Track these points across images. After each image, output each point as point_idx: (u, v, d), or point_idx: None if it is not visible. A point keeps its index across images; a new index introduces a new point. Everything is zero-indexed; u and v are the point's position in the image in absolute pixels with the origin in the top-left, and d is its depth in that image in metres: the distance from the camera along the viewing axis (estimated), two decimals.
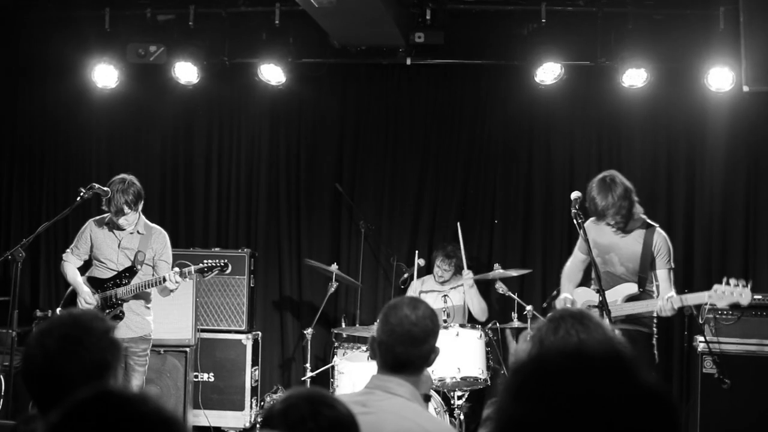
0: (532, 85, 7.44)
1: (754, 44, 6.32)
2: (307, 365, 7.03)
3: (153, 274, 5.92)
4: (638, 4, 7.17)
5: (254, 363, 7.43)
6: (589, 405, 1.19)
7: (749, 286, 4.98)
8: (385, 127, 8.08)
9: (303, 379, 7.05)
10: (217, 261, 5.87)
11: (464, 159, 7.95)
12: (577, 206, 5.13)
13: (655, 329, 5.44)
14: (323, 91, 8.11)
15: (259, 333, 7.66)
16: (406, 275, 7.41)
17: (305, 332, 7.15)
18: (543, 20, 7.15)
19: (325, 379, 6.79)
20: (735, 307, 5.27)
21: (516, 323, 6.61)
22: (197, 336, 7.17)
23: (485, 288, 7.40)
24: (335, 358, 6.50)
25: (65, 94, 8.19)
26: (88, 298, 5.78)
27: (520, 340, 6.55)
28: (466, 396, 6.27)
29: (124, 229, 5.87)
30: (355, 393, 2.85)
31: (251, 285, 7.53)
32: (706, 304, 5.64)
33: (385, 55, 7.69)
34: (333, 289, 7.32)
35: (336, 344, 6.73)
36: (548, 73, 7.27)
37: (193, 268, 5.80)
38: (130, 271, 5.87)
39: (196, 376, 7.21)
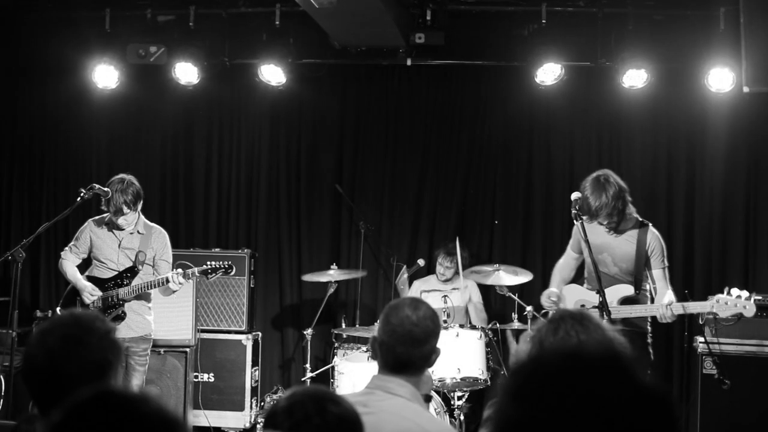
0: (532, 85, 7.44)
1: (754, 45, 6.32)
2: (307, 365, 7.03)
3: (153, 274, 5.92)
4: (638, 5, 7.17)
5: (254, 363, 7.43)
6: (588, 406, 1.19)
7: (753, 298, 4.98)
8: (385, 127, 8.08)
9: (303, 379, 7.05)
10: (221, 263, 5.87)
11: (464, 159, 7.95)
12: (577, 207, 5.13)
13: (649, 328, 5.43)
14: (323, 91, 8.12)
15: (259, 333, 7.66)
16: (405, 276, 7.40)
17: (305, 333, 7.15)
18: (543, 21, 7.15)
19: (325, 379, 6.79)
20: (740, 316, 5.25)
21: (516, 324, 6.61)
22: (197, 336, 7.17)
23: (485, 288, 7.40)
24: (335, 358, 6.50)
25: (65, 94, 8.19)
26: (93, 292, 5.77)
27: (521, 341, 6.54)
28: (466, 396, 6.27)
29: (123, 229, 5.87)
30: (356, 393, 2.85)
31: (251, 285, 7.52)
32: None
33: (386, 55, 7.69)
34: (333, 290, 7.32)
35: (336, 344, 6.73)
36: (548, 73, 7.27)
37: (196, 269, 5.80)
38: (132, 272, 5.87)
39: (196, 377, 7.21)
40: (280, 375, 8.09)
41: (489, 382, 6.17)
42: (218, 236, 8.22)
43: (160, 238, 5.99)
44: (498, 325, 6.71)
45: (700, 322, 6.42)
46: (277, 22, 7.33)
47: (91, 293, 5.77)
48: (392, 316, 2.83)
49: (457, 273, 7.24)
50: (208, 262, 5.86)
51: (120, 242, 5.89)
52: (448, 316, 6.49)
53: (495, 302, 7.57)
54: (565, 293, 5.68)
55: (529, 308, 6.46)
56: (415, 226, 8.00)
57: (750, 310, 4.96)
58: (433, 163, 8.00)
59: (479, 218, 7.93)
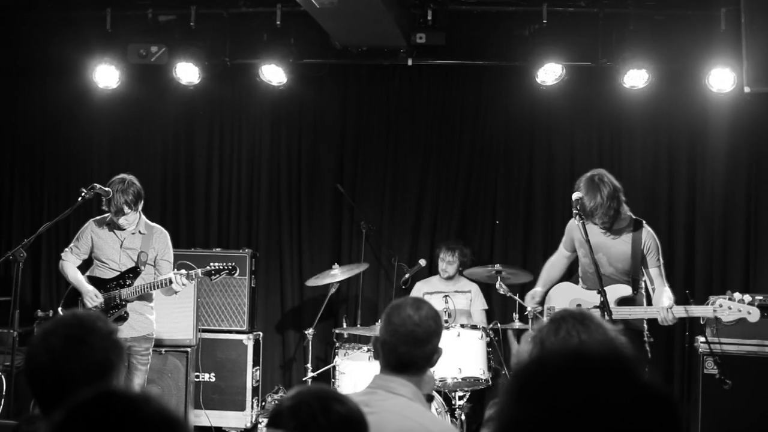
0: (533, 85, 7.44)
1: (755, 45, 6.32)
2: (309, 365, 7.04)
3: (155, 274, 5.92)
4: (639, 5, 7.17)
5: (255, 363, 7.43)
6: (590, 406, 1.19)
7: (757, 302, 4.97)
8: (386, 127, 8.08)
9: (304, 379, 7.06)
10: (225, 264, 5.87)
11: (465, 160, 7.95)
12: (578, 207, 5.12)
13: (645, 326, 5.42)
14: (324, 91, 8.12)
15: (260, 333, 7.66)
16: (407, 276, 7.41)
17: (306, 332, 7.15)
18: (544, 21, 7.15)
19: (326, 379, 6.80)
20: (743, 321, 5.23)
21: (517, 324, 6.61)
22: (198, 336, 7.17)
23: (486, 289, 7.41)
24: (336, 358, 6.50)
25: (66, 94, 8.19)
26: (94, 298, 5.77)
27: (522, 342, 6.55)
28: (467, 396, 6.27)
29: (125, 229, 5.87)
30: (358, 393, 2.85)
31: (252, 285, 7.53)
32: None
33: (387, 55, 7.69)
34: (334, 290, 7.32)
35: (337, 344, 6.73)
36: (549, 73, 7.27)
37: (200, 270, 5.81)
38: (134, 272, 5.87)
39: (198, 377, 7.21)
40: (281, 375, 8.09)
41: (490, 382, 6.17)
42: (219, 236, 8.23)
43: (161, 238, 5.99)
44: (499, 325, 6.71)
45: (702, 322, 6.42)
46: (278, 22, 7.33)
47: (93, 299, 5.76)
48: (394, 315, 2.84)
49: (459, 271, 7.27)
50: (212, 264, 5.87)
51: (122, 242, 5.89)
52: (450, 316, 6.49)
53: (496, 303, 7.56)
54: (561, 292, 5.67)
55: (530, 308, 6.45)
56: (416, 226, 8.00)
57: (754, 316, 4.95)
58: (434, 163, 8.00)
59: (480, 218, 7.93)
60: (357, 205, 7.97)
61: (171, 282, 5.71)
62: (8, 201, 8.43)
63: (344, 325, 7.27)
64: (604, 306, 4.82)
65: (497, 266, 6.86)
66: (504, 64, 7.67)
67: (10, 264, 5.64)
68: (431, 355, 2.86)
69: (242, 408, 7.27)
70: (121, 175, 5.81)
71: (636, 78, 7.12)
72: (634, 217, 5.48)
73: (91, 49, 7.62)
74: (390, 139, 8.07)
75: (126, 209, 5.71)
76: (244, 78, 7.94)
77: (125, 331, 5.70)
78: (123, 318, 5.78)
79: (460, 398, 6.22)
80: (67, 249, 6.04)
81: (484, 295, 7.42)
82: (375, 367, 2.88)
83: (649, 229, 5.45)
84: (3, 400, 6.40)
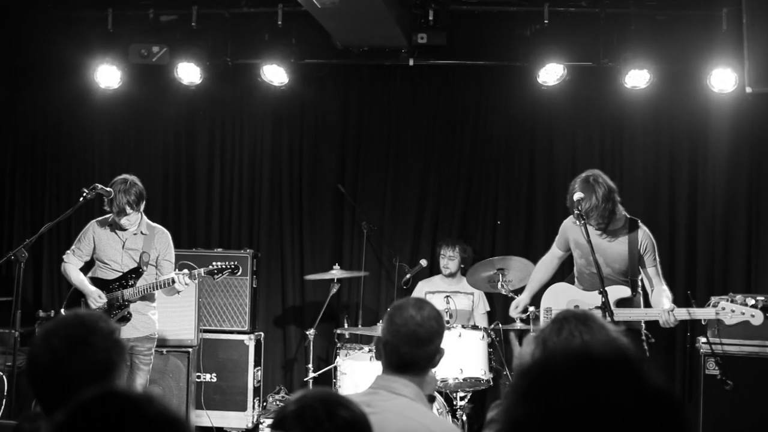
0: (534, 86, 7.43)
1: (757, 45, 6.32)
2: (310, 366, 7.04)
3: (156, 274, 5.92)
4: (641, 5, 7.17)
5: (257, 363, 7.42)
6: (595, 407, 1.18)
7: (760, 305, 4.94)
8: (387, 127, 8.08)
9: (305, 379, 7.06)
10: (227, 263, 5.87)
11: (467, 160, 7.95)
12: (580, 207, 5.11)
13: (643, 324, 5.40)
14: (326, 91, 8.12)
15: (262, 333, 7.66)
16: (408, 276, 7.41)
17: (308, 333, 7.15)
18: (546, 21, 7.15)
19: (328, 379, 6.80)
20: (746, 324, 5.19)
21: (518, 324, 6.60)
22: (200, 336, 7.17)
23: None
24: (338, 358, 6.50)
25: (68, 94, 8.19)
26: (98, 298, 5.77)
27: (525, 343, 6.54)
28: (468, 397, 6.27)
29: (126, 230, 5.87)
30: (360, 393, 2.85)
31: (254, 285, 7.52)
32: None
33: (388, 55, 7.69)
34: (335, 290, 7.32)
35: (338, 345, 6.73)
36: (551, 74, 7.27)
37: (202, 270, 5.80)
38: (136, 273, 5.87)
39: (199, 377, 7.21)
40: (283, 375, 8.09)
41: (491, 383, 6.17)
42: (221, 236, 8.23)
43: (163, 239, 5.99)
44: (500, 325, 6.71)
45: (703, 323, 6.41)
46: (280, 22, 7.34)
47: (97, 300, 5.76)
48: (396, 316, 2.84)
49: (461, 269, 7.27)
50: (214, 263, 5.86)
51: (124, 243, 5.89)
52: (451, 316, 6.49)
53: (497, 303, 7.56)
54: (558, 293, 5.67)
55: (531, 308, 6.45)
56: (417, 226, 7.99)
57: (758, 319, 4.90)
58: (436, 163, 8.00)
59: (481, 218, 7.93)
60: (358, 205, 7.97)
61: (174, 282, 5.71)
62: (9, 201, 8.43)
63: (345, 326, 7.26)
64: (605, 307, 4.82)
65: (498, 266, 6.84)
66: (505, 64, 7.67)
67: (11, 264, 5.65)
68: (433, 355, 2.86)
69: (243, 408, 7.26)
70: (124, 176, 5.81)
71: (637, 78, 7.12)
72: (629, 216, 5.46)
73: (93, 49, 7.63)
74: (391, 139, 8.07)
75: (128, 209, 5.70)
76: (245, 78, 7.94)
77: (128, 332, 5.70)
78: (126, 318, 5.78)
79: (462, 399, 6.22)
80: (68, 251, 6.03)
81: (485, 295, 7.42)
82: (376, 367, 2.89)
83: (645, 228, 5.43)
84: (4, 400, 6.40)
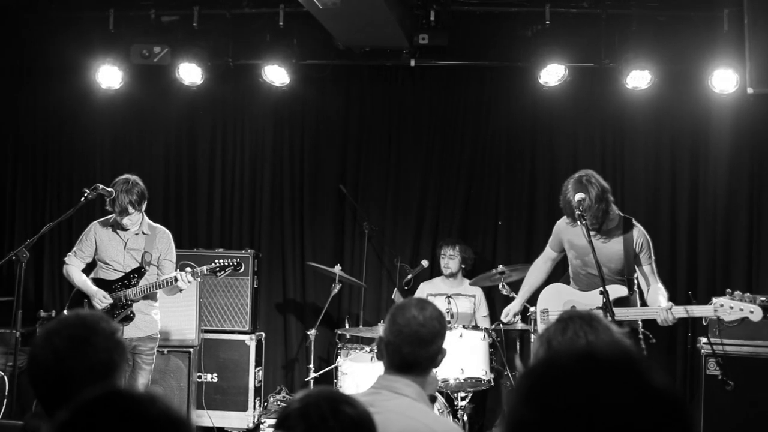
0: (535, 86, 7.43)
1: (758, 46, 6.32)
2: (311, 366, 7.04)
3: (158, 274, 5.92)
4: (642, 6, 7.16)
5: (257, 364, 7.43)
6: (599, 408, 1.18)
7: (758, 301, 4.91)
8: (388, 128, 8.08)
9: (306, 380, 7.06)
10: (230, 260, 5.87)
11: (468, 160, 7.95)
12: (581, 208, 5.11)
13: (640, 323, 5.40)
14: (327, 92, 8.12)
15: (263, 334, 7.66)
16: (409, 276, 7.41)
17: (309, 333, 7.15)
18: (547, 22, 7.15)
19: (329, 380, 6.80)
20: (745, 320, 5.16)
21: (519, 325, 6.60)
22: (201, 336, 7.17)
23: (488, 289, 7.41)
24: (338, 359, 6.50)
25: (69, 94, 8.20)
26: (102, 299, 5.77)
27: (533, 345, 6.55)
28: (469, 397, 6.27)
29: (128, 230, 5.87)
30: (362, 393, 2.85)
31: (255, 286, 7.53)
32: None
33: (389, 56, 7.69)
34: (336, 290, 7.32)
35: (339, 345, 6.73)
36: (552, 74, 7.27)
37: (205, 267, 5.80)
38: (139, 272, 5.87)
39: (200, 377, 7.21)
40: (284, 375, 8.09)
41: (492, 383, 6.17)
42: (222, 236, 8.23)
43: (164, 239, 5.99)
44: (501, 325, 6.71)
45: (704, 323, 6.41)
46: (281, 23, 7.34)
47: (101, 300, 5.76)
48: (399, 316, 2.84)
49: (462, 269, 7.28)
50: (217, 260, 5.86)
51: (125, 243, 5.89)
52: (452, 317, 6.49)
53: (498, 303, 7.56)
54: (553, 294, 5.66)
55: (532, 309, 6.45)
56: (418, 226, 8.00)
57: (756, 315, 4.87)
58: (437, 163, 8.00)
59: (483, 219, 7.93)
60: (359, 205, 7.97)
61: (176, 280, 5.71)
62: (11, 201, 8.44)
63: (346, 326, 7.27)
64: (606, 307, 4.81)
65: (500, 267, 6.84)
66: (507, 64, 7.67)
67: (13, 264, 5.63)
68: (435, 355, 2.86)
69: (244, 408, 7.27)
70: (125, 176, 5.82)
71: (639, 79, 7.12)
72: (623, 215, 5.45)
73: (94, 50, 7.63)
74: (392, 139, 8.07)
75: (130, 209, 5.71)
76: (246, 78, 7.94)
77: (130, 331, 5.71)
78: (129, 318, 5.78)
79: (463, 399, 6.22)
80: (70, 253, 6.03)
81: (486, 294, 7.42)
82: (377, 368, 2.89)
83: (640, 227, 5.43)
84: (6, 400, 6.40)
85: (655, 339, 5.57)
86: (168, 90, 7.98)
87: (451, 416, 6.01)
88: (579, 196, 5.15)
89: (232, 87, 8.15)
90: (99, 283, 5.88)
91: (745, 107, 7.17)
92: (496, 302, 7.53)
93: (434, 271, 7.63)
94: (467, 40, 7.58)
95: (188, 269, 5.75)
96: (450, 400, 6.20)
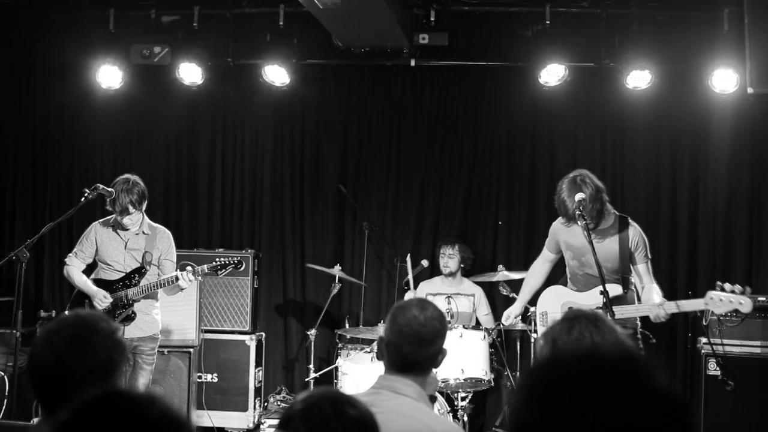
0: (536, 86, 7.43)
1: (758, 46, 6.31)
2: (311, 366, 7.04)
3: (158, 274, 5.92)
4: (642, 6, 7.16)
5: (258, 364, 7.43)
6: (603, 408, 1.18)
7: (747, 292, 4.85)
8: (388, 128, 8.08)
9: (306, 380, 7.07)
10: (230, 258, 5.87)
11: (468, 160, 7.95)
12: (581, 208, 5.10)
13: (638, 322, 5.39)
14: (327, 92, 8.12)
15: (263, 334, 7.66)
16: (408, 277, 7.40)
17: (309, 333, 7.15)
18: (547, 22, 7.15)
19: (329, 380, 6.80)
20: (736, 312, 5.10)
21: (519, 325, 6.60)
22: (201, 337, 7.17)
23: (489, 290, 7.41)
24: (339, 359, 6.50)
25: (69, 94, 8.20)
26: (103, 299, 5.76)
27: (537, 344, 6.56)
28: (469, 397, 6.27)
29: (128, 230, 5.87)
30: (362, 393, 2.85)
31: (255, 286, 7.53)
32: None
33: (389, 56, 7.69)
34: (336, 290, 7.32)
35: (339, 345, 6.74)
36: (552, 74, 7.27)
37: (206, 266, 5.79)
38: (140, 272, 5.87)
39: (200, 377, 7.21)
40: (284, 376, 8.09)
41: (492, 383, 6.17)
42: (222, 236, 8.23)
43: (164, 239, 5.99)
44: (502, 326, 6.71)
45: (704, 323, 6.41)
46: (281, 23, 7.33)
47: (102, 300, 5.76)
48: (399, 316, 2.84)
49: (461, 269, 7.27)
50: (217, 259, 5.86)
51: (126, 243, 5.89)
52: (452, 317, 6.49)
53: (499, 303, 7.56)
54: (551, 296, 5.66)
55: (532, 309, 6.45)
56: (418, 226, 8.00)
57: (746, 306, 4.78)
58: (437, 163, 8.00)
59: (483, 219, 7.93)
60: (359, 205, 7.97)
61: (178, 279, 5.70)
62: (11, 201, 8.43)
63: (347, 326, 7.27)
64: (607, 307, 4.80)
65: (500, 267, 6.85)
66: (507, 64, 7.67)
67: (13, 264, 5.63)
68: (436, 355, 2.86)
69: (245, 408, 7.27)
70: (126, 175, 5.82)
71: (639, 79, 7.12)
72: (618, 214, 5.45)
73: (94, 50, 7.63)
74: (392, 139, 8.07)
75: (131, 209, 5.71)
76: (246, 78, 7.94)
77: (131, 331, 5.71)
78: (130, 318, 5.78)
79: (463, 399, 6.22)
80: (71, 254, 6.02)
81: (486, 293, 7.42)
82: (377, 368, 2.89)
83: (636, 225, 5.42)
84: (6, 400, 6.40)
85: (654, 339, 5.57)
86: (168, 90, 7.98)
87: (451, 416, 6.01)
88: (579, 196, 5.14)
89: (232, 87, 8.15)
90: (100, 283, 5.88)
91: (745, 107, 7.17)
92: (497, 303, 7.53)
93: (434, 271, 7.63)
94: (467, 40, 7.58)
95: (189, 268, 5.75)
96: (450, 400, 6.20)
